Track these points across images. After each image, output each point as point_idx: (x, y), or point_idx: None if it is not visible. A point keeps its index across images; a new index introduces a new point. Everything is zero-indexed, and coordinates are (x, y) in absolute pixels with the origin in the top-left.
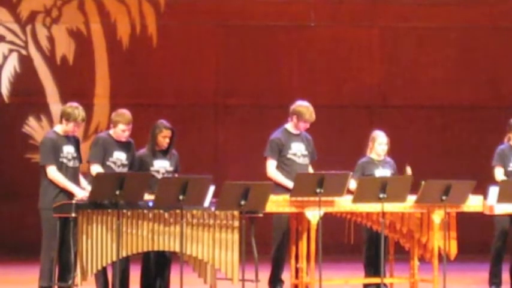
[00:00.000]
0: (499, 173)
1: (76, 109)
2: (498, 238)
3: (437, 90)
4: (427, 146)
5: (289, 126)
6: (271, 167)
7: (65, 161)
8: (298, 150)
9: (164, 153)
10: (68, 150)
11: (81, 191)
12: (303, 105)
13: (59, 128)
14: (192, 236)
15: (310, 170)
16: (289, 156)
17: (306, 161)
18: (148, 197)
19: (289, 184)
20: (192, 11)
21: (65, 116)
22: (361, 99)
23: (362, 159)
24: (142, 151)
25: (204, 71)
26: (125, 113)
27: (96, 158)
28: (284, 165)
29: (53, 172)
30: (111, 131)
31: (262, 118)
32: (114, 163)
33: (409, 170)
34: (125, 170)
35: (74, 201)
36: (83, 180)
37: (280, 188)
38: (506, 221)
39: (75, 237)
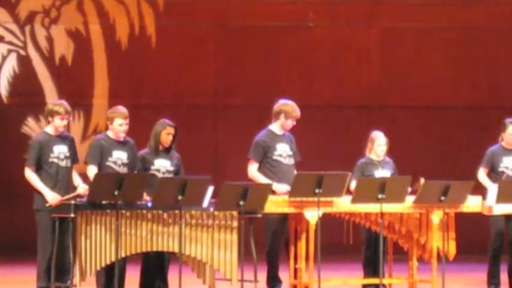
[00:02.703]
0: (481, 174)
1: (56, 104)
2: (495, 238)
3: (436, 90)
4: (426, 146)
5: (274, 127)
6: (253, 169)
7: (55, 160)
8: (283, 151)
9: (166, 152)
10: (60, 150)
11: (53, 196)
12: (288, 104)
13: (49, 128)
14: (191, 236)
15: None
16: (275, 157)
17: (291, 161)
18: (147, 197)
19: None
20: (191, 11)
21: (49, 114)
22: (360, 100)
23: (361, 159)
24: (145, 150)
25: (202, 71)
26: (120, 108)
27: (92, 159)
28: (271, 166)
29: (27, 173)
30: (109, 132)
31: (261, 119)
32: (115, 163)
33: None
34: (126, 169)
35: (72, 202)
36: (78, 179)
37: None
38: (501, 222)
39: (73, 237)
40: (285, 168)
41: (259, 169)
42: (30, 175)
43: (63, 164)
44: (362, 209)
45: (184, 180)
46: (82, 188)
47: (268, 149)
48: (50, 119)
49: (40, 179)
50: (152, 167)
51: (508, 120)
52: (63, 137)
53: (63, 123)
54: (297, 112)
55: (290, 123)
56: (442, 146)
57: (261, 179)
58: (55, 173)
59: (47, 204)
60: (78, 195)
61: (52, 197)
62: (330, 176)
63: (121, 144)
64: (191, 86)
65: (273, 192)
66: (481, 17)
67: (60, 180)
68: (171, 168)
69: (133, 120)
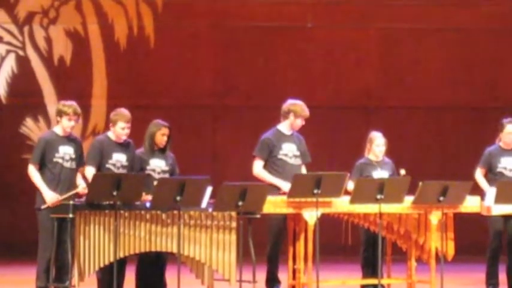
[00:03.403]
0: (477, 174)
1: (66, 105)
2: (493, 239)
3: (434, 91)
4: (424, 147)
5: (282, 126)
6: (258, 167)
7: (60, 161)
8: (289, 151)
9: (161, 152)
10: (66, 150)
11: (51, 196)
12: (297, 103)
13: (58, 128)
14: (190, 237)
15: (303, 171)
16: (280, 156)
17: (298, 161)
18: (147, 196)
19: (276, 181)
20: (189, 12)
21: (58, 113)
22: (358, 100)
23: (360, 160)
24: (140, 150)
25: (201, 71)
26: (124, 111)
27: (91, 160)
28: (275, 165)
29: (30, 169)
30: (110, 133)
31: (259, 119)
32: (114, 165)
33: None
34: (125, 171)
35: (71, 202)
36: (81, 182)
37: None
38: (499, 222)
39: (72, 237)
40: (290, 168)
41: (265, 167)
42: (33, 172)
43: (67, 165)
44: (361, 209)
45: (183, 180)
46: (82, 187)
47: (274, 148)
48: (58, 118)
49: (43, 177)
50: (148, 167)
51: (505, 120)
52: (70, 139)
53: (71, 124)
54: (306, 112)
55: (299, 122)
56: (441, 147)
57: (267, 176)
58: (58, 172)
59: (45, 205)
60: (77, 194)
61: (50, 197)
62: (329, 176)
63: (121, 146)
64: (189, 86)
65: (278, 189)
66: (479, 17)
67: (63, 181)
68: (166, 168)
69: (132, 121)
